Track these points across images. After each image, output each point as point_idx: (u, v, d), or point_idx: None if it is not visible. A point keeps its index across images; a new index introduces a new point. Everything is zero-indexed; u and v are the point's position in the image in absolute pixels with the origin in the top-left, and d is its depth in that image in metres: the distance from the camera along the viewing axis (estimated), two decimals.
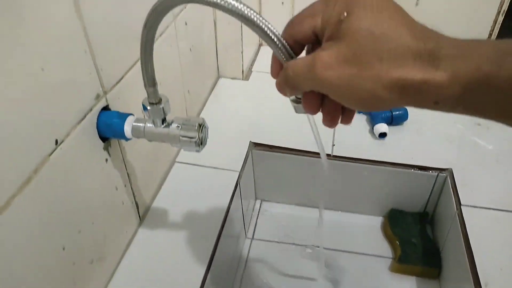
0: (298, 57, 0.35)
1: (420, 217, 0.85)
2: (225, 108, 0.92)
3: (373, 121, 0.86)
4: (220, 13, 0.88)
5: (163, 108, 0.49)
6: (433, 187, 0.82)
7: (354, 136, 0.85)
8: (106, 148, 0.54)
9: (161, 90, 0.49)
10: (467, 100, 0.29)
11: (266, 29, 0.34)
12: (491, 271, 0.64)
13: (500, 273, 0.64)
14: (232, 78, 1.01)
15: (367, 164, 0.81)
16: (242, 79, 1.01)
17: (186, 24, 0.75)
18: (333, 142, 0.83)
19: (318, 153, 0.50)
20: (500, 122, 0.29)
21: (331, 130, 0.84)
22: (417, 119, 0.87)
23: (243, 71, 1.00)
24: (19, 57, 0.38)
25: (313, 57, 0.31)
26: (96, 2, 0.47)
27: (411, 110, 0.86)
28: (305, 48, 0.36)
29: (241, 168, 0.78)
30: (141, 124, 0.51)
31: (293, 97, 0.37)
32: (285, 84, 0.35)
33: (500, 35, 0.98)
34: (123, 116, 0.51)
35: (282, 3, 1.06)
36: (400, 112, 0.86)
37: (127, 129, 0.51)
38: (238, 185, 0.76)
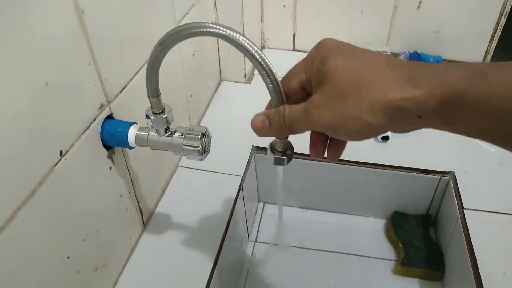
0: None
1: (423, 220, 0.86)
2: (227, 112, 0.92)
3: None
4: (221, 18, 0.88)
5: (166, 117, 0.49)
6: (435, 190, 0.82)
7: None
8: (110, 156, 0.54)
9: (164, 94, 0.49)
10: (445, 115, 0.30)
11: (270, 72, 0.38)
12: (494, 275, 0.64)
13: (503, 277, 0.64)
14: (235, 82, 1.01)
15: (370, 168, 0.81)
16: (245, 83, 1.01)
17: None
18: None
19: None
20: (481, 139, 0.31)
21: None
22: None
23: (245, 75, 1.00)
24: (24, 71, 0.38)
25: (307, 102, 0.36)
26: (100, 15, 0.48)
27: None
28: None
29: (244, 172, 0.78)
30: (144, 133, 0.51)
31: (278, 152, 0.44)
32: (279, 125, 0.38)
33: (503, 37, 0.97)
34: (127, 125, 0.52)
35: (284, 6, 1.06)
36: None
37: (131, 138, 0.51)
38: (241, 189, 0.76)
